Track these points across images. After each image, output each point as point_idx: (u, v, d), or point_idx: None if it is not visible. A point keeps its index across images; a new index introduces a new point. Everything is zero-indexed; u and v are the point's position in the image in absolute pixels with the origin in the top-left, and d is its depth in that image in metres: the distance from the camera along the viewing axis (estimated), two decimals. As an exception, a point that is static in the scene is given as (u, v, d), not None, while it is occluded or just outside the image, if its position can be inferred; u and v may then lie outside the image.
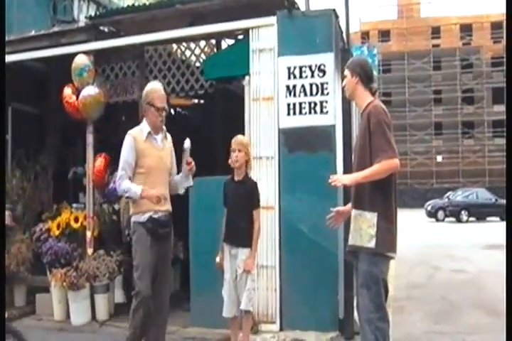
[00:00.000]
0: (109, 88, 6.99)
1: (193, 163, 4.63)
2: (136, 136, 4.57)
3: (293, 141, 5.82)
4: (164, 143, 4.77)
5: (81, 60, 6.66)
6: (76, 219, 6.75)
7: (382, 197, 3.78)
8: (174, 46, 7.21)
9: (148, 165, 4.55)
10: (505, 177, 4.71)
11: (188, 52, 7.12)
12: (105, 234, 6.95)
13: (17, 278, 7.01)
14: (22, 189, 7.30)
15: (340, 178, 3.97)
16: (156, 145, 4.66)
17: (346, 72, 4.04)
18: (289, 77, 5.87)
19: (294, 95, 5.84)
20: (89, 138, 6.78)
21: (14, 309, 7.04)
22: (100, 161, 6.76)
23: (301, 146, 5.78)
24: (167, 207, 4.65)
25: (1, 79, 5.68)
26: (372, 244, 3.72)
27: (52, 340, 5.46)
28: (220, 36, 6.90)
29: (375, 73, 4.44)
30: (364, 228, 3.80)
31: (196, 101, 8.80)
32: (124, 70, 7.06)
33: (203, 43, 6.99)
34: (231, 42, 6.94)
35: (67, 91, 6.78)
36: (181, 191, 4.91)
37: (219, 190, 5.05)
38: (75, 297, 6.33)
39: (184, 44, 7.13)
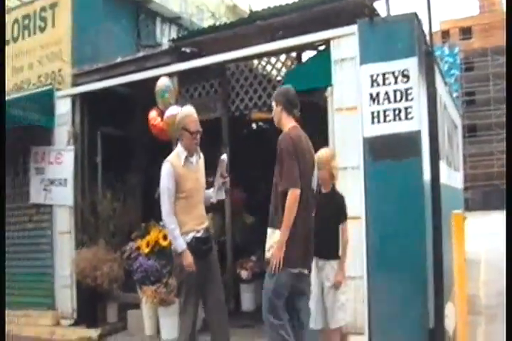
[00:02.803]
0: (193, 107, 7.10)
1: (227, 178, 4.89)
2: (174, 163, 4.78)
3: (378, 150, 5.69)
4: (198, 163, 4.99)
5: (162, 82, 6.83)
6: (165, 237, 6.82)
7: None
8: (255, 62, 7.26)
9: (188, 188, 4.76)
10: (506, 178, 4.46)
11: (269, 67, 7.15)
12: (192, 250, 6.99)
13: (109, 296, 7.16)
14: (112, 210, 7.48)
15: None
16: (193, 167, 4.87)
17: (273, 103, 4.41)
18: (372, 85, 5.77)
19: (378, 103, 5.72)
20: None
21: (107, 325, 7.22)
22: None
23: (386, 154, 5.63)
24: (206, 223, 4.94)
25: (0, 79, 5.88)
26: (268, 255, 4.15)
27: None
28: (300, 49, 6.90)
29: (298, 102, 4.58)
30: (271, 243, 4.17)
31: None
32: (206, 89, 7.17)
33: (283, 57, 7.00)
34: (312, 53, 6.92)
35: (152, 113, 6.96)
36: (214, 200, 5.12)
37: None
38: (165, 312, 6.41)
39: (265, 59, 7.18)
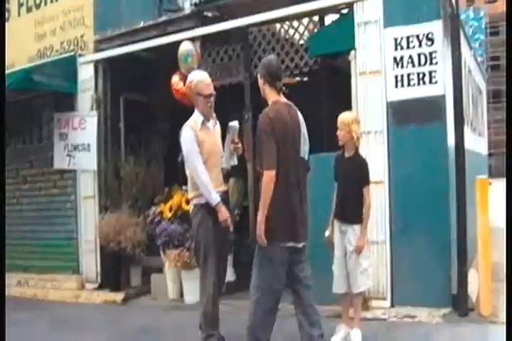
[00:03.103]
0: (215, 71, 7.08)
1: (239, 144, 4.88)
2: (192, 127, 4.83)
3: (402, 114, 5.64)
4: (215, 128, 5.04)
5: (185, 46, 6.80)
6: (187, 201, 6.86)
7: (274, 195, 3.97)
8: (277, 25, 7.19)
9: (206, 151, 4.79)
10: (506, 175, 4.38)
11: (291, 31, 7.07)
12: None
13: (133, 260, 7.26)
14: (136, 174, 7.53)
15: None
16: (210, 132, 4.92)
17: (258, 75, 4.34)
18: (396, 49, 5.69)
19: (402, 67, 5.65)
20: (198, 122, 6.89)
21: (131, 289, 7.34)
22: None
23: (410, 119, 5.59)
24: (224, 187, 5.00)
25: (1, 77, 5.94)
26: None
27: (167, 318, 5.57)
28: (323, 12, 6.77)
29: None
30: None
31: (300, 79, 8.75)
32: (228, 53, 7.12)
33: (306, 20, 6.90)
34: (335, 17, 6.82)
35: (175, 78, 6.94)
36: (225, 166, 5.03)
37: (326, 166, 4.99)
38: (188, 276, 6.48)
39: (287, 23, 7.08)
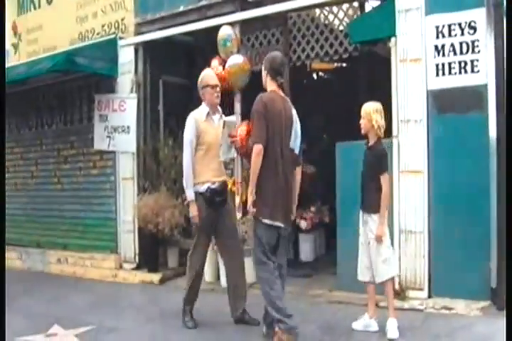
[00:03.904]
0: (254, 56, 7.10)
1: (237, 137, 5.01)
2: (196, 117, 5.26)
3: (442, 103, 5.58)
4: (220, 122, 5.30)
5: (224, 31, 6.82)
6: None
7: (261, 174, 4.40)
8: (317, 11, 7.15)
9: (207, 141, 5.19)
10: (506, 175, 4.29)
11: (331, 17, 7.03)
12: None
13: (170, 242, 7.39)
14: (174, 157, 7.61)
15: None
16: (213, 124, 5.29)
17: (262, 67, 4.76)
18: (438, 37, 5.61)
19: (443, 55, 5.57)
20: (237, 107, 6.94)
21: (168, 270, 7.48)
22: (243, 129, 6.89)
23: (451, 108, 5.53)
24: (223, 177, 5.37)
25: (1, 77, 6.04)
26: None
27: (203, 300, 5.67)
28: (364, -2, 6.75)
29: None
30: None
31: (338, 64, 8.71)
32: (268, 38, 7.14)
33: (346, 6, 6.86)
34: (375, 3, 6.75)
35: (214, 62, 6.97)
36: (222, 159, 5.34)
37: (363, 154, 5.01)
38: (224, 259, 6.54)
39: (327, 8, 7.04)
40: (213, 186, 5.19)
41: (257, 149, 4.37)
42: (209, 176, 5.19)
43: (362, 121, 4.89)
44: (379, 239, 4.75)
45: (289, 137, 4.55)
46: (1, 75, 6.33)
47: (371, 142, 4.89)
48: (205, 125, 5.23)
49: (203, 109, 5.36)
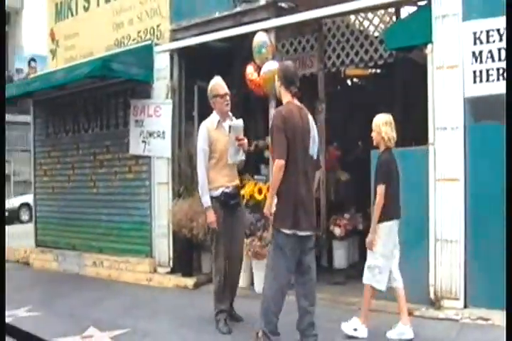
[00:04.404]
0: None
1: (244, 140, 5.41)
2: (208, 126, 5.52)
3: (480, 110, 5.52)
4: None
5: (259, 37, 6.85)
6: (259, 191, 6.98)
7: (282, 185, 4.39)
8: (352, 17, 7.13)
9: (219, 149, 5.44)
10: (506, 175, 4.19)
11: (366, 23, 7.01)
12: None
13: (204, 247, 7.43)
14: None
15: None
16: (225, 132, 5.49)
17: (276, 77, 4.79)
18: (475, 43, 5.55)
19: (481, 61, 5.51)
20: (271, 113, 6.96)
21: (202, 275, 7.53)
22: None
23: (488, 115, 5.47)
24: (236, 182, 5.63)
25: (1, 77, 6.11)
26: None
27: (236, 306, 5.72)
28: (399, 4, 6.70)
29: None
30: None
31: (373, 71, 8.67)
32: (302, 44, 7.15)
33: (381, 13, 6.83)
34: (411, 9, 6.71)
35: (249, 69, 7.02)
36: (230, 162, 5.54)
37: (398, 162, 5.01)
38: (259, 265, 6.56)
39: (362, 14, 7.02)
40: (227, 190, 5.47)
41: (279, 165, 4.38)
42: (223, 181, 5.46)
43: (373, 134, 5.06)
44: (368, 246, 4.94)
45: (308, 143, 4.61)
46: (1, 76, 6.47)
47: (380, 153, 5.06)
48: (216, 133, 5.48)
49: (214, 117, 5.60)
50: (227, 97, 5.58)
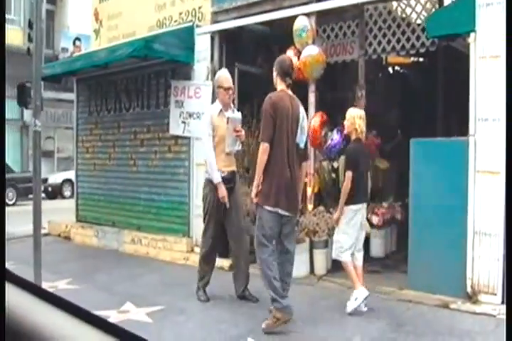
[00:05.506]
0: (330, 48, 7.09)
1: (242, 132, 5.70)
2: (211, 113, 5.88)
3: (522, 102, 5.43)
4: None
5: (300, 22, 6.85)
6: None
7: (269, 167, 4.79)
8: (394, 4, 7.05)
9: (219, 134, 5.76)
10: (505, 175, 4.09)
11: (408, 10, 6.92)
12: (324, 191, 7.16)
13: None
14: (247, 145, 7.71)
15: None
16: (225, 120, 5.72)
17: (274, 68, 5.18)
18: (520, 33, 5.44)
19: (525, 52, 5.42)
20: (311, 98, 6.99)
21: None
22: (316, 120, 6.94)
23: (531, 108, 5.38)
24: (233, 167, 5.97)
25: (1, 75, 6.21)
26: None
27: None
28: (443, -9, 6.62)
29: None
30: None
31: (415, 59, 8.57)
32: (343, 30, 7.10)
33: (424, 0, 6.74)
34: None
35: (289, 52, 7.02)
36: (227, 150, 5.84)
37: (438, 152, 5.00)
38: (296, 250, 6.62)
39: (404, 1, 6.93)
40: (223, 175, 5.78)
41: (264, 147, 4.77)
42: (220, 166, 5.77)
43: (346, 123, 5.51)
44: (334, 222, 5.58)
45: (296, 133, 4.94)
46: (1, 76, 6.63)
47: (351, 142, 5.53)
48: (217, 120, 5.79)
49: (217, 105, 5.95)
50: (230, 91, 5.88)
